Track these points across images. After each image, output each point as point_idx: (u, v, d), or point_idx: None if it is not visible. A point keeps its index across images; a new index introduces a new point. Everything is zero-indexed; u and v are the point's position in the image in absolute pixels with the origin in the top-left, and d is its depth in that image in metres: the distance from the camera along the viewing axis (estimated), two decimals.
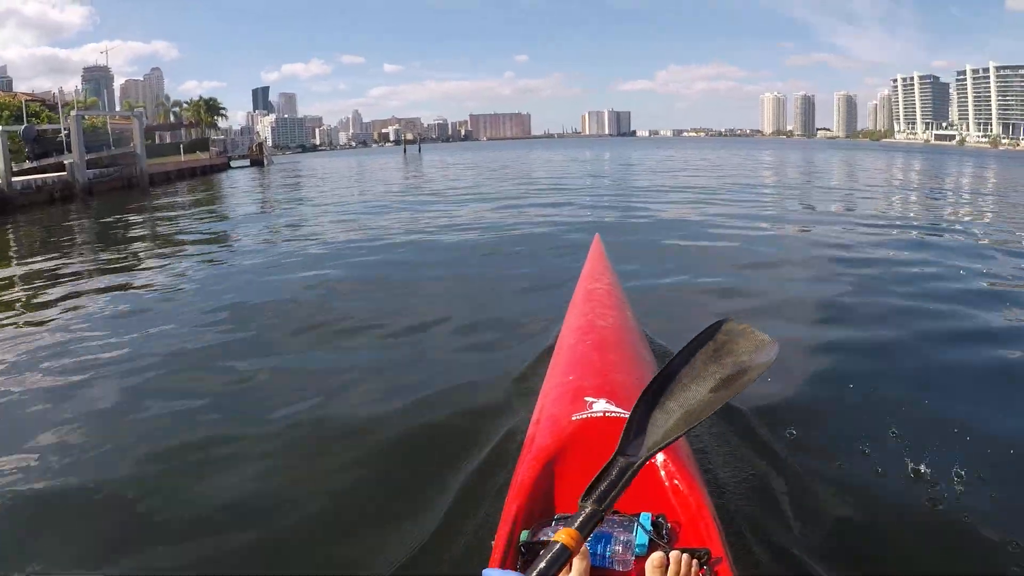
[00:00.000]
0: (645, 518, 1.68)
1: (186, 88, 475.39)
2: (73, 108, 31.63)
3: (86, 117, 30.36)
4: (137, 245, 12.37)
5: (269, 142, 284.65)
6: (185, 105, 69.64)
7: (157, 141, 52.93)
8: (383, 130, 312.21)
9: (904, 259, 8.97)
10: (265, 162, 63.81)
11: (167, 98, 75.10)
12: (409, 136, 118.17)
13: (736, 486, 2.93)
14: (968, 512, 2.78)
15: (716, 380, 1.40)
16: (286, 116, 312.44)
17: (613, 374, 2.57)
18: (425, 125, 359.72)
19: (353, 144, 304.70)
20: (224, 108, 69.41)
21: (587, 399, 2.20)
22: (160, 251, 11.24)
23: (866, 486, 3.02)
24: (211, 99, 67.74)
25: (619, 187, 22.18)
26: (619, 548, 1.58)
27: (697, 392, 1.39)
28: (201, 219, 16.72)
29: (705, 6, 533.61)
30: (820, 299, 6.59)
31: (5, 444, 3.71)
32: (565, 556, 1.05)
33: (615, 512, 1.62)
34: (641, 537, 1.61)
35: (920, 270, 8.04)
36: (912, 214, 15.49)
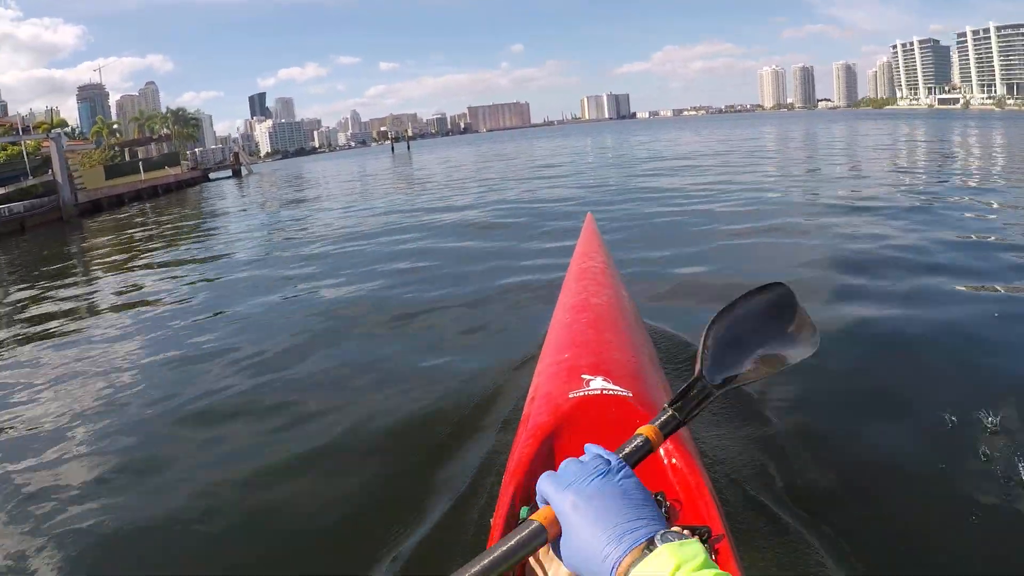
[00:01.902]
0: None
1: (184, 100, 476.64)
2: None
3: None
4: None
5: (268, 147, 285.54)
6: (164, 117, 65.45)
7: (128, 158, 49.77)
8: (381, 128, 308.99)
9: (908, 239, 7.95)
10: (243, 172, 60.87)
11: (141, 112, 70.98)
12: (408, 132, 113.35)
13: (734, 466, 2.92)
14: (977, 492, 2.71)
15: (769, 344, 1.36)
16: (283, 121, 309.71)
17: (609, 352, 2.49)
18: (424, 120, 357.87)
19: (352, 144, 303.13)
20: (195, 118, 65.20)
21: (584, 376, 2.17)
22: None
23: (864, 464, 3.05)
24: (179, 109, 63.82)
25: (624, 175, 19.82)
26: None
27: (756, 347, 1.34)
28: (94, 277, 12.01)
29: None
30: (825, 279, 6.23)
31: None
32: (647, 447, 1.04)
33: None
34: None
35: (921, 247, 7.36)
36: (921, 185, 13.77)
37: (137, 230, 19.48)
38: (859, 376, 3.97)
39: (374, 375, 4.58)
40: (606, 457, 0.84)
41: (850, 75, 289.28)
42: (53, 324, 7.61)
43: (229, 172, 60.91)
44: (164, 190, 40.26)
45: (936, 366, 4.07)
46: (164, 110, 66.39)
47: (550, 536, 0.88)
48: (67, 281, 11.16)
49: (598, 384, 2.09)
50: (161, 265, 11.72)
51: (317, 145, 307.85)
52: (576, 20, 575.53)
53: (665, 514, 1.57)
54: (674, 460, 1.85)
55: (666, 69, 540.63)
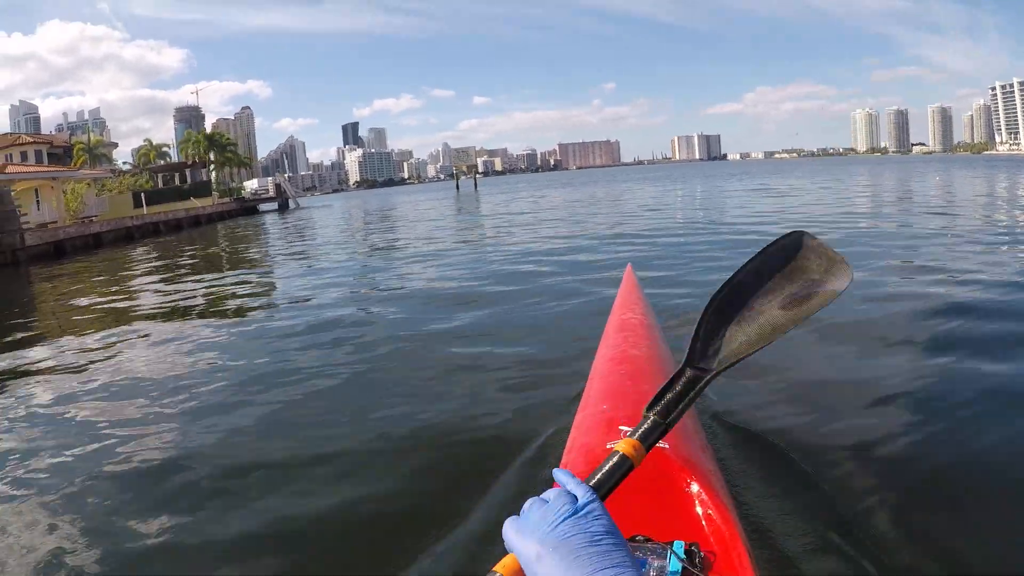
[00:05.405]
0: (679, 546, 1.63)
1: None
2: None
3: None
4: None
5: (357, 176, 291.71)
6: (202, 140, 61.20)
7: (162, 185, 47.63)
8: (470, 163, 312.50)
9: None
10: (290, 205, 58.09)
11: (188, 135, 69.42)
12: (475, 168, 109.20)
13: (772, 517, 2.82)
14: None
15: (786, 298, 1.24)
16: (373, 151, 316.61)
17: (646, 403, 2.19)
18: (513, 155, 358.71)
19: (441, 176, 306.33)
20: (234, 145, 62.65)
21: (621, 428, 2.17)
22: None
23: (912, 518, 2.85)
24: (215, 134, 60.11)
25: None
26: (653, 574, 1.57)
27: (768, 308, 1.23)
28: None
29: (787, 28, 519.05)
30: (891, 330, 5.56)
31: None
32: (626, 466, 0.97)
33: (648, 540, 1.64)
34: (674, 564, 1.57)
35: None
36: None
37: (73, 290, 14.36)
38: (931, 437, 3.56)
39: (404, 419, 4.26)
40: (573, 491, 0.75)
41: (945, 119, 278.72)
42: None
43: (275, 205, 58.07)
44: (169, 228, 36.07)
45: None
46: (198, 132, 63.67)
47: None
48: None
49: None
50: None
51: (406, 176, 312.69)
52: (668, 59, 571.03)
53: (699, 565, 1.55)
54: (710, 511, 1.86)
55: (758, 110, 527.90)
